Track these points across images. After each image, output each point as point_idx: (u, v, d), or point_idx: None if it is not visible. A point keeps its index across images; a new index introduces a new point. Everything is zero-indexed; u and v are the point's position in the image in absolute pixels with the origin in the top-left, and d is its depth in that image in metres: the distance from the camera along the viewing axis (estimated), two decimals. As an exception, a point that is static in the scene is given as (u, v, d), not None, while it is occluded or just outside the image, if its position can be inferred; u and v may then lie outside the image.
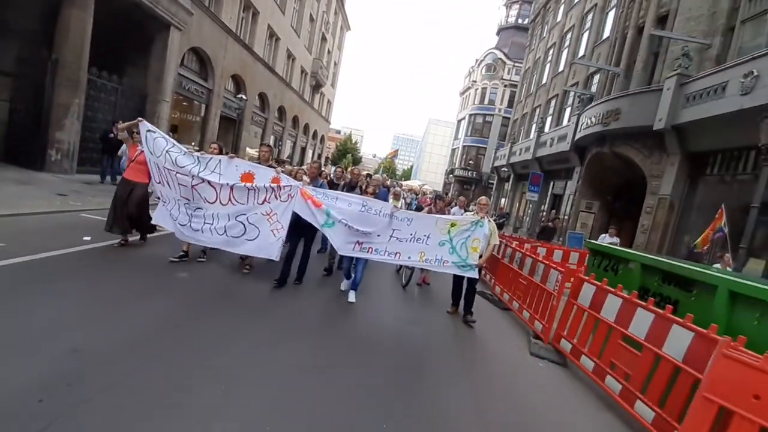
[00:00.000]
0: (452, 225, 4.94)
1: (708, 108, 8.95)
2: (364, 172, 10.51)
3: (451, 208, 8.30)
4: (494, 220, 5.85)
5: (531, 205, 21.00)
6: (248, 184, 4.80)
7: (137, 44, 12.60)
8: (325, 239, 6.14)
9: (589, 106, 14.10)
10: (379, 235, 4.83)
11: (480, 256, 4.91)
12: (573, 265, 7.72)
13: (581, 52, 18.73)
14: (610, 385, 3.49)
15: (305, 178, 5.18)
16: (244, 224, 4.85)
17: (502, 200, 28.28)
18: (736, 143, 8.90)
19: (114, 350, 2.81)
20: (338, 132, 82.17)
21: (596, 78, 16.55)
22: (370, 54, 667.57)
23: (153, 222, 5.22)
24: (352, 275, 5.20)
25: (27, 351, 2.62)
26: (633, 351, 3.32)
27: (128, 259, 5.05)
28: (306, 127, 32.37)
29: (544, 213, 19.27)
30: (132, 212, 5.20)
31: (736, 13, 9.85)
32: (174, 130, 14.87)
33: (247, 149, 19.11)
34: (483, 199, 5.35)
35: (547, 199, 20.22)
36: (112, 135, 10.01)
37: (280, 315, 4.25)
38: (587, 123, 13.66)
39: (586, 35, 18.80)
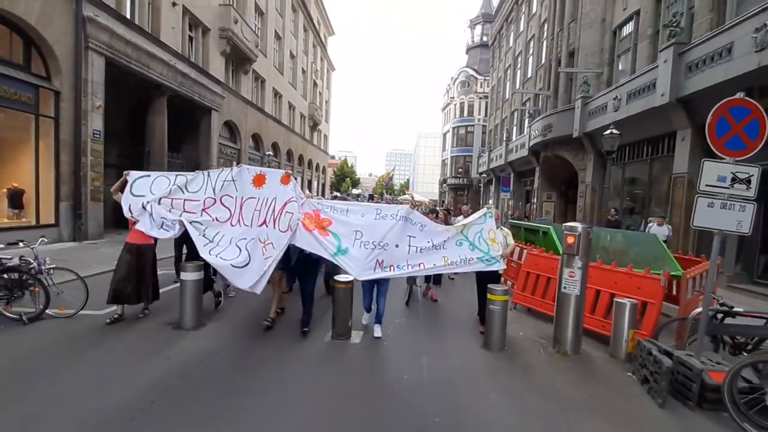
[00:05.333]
0: (463, 227, 4.84)
1: (600, 120, 12.99)
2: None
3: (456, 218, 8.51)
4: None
5: (511, 203, 24.95)
6: (256, 198, 4.63)
7: (189, 127, 16.86)
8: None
9: (534, 121, 18.24)
10: (397, 246, 4.48)
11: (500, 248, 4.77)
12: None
13: (529, 74, 22.99)
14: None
15: (308, 191, 5.26)
16: (240, 249, 4.52)
17: (489, 201, 32.21)
18: (623, 142, 12.91)
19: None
20: (333, 158, 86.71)
21: (541, 96, 20.74)
22: (353, 78, 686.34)
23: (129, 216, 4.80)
24: (373, 308, 5.01)
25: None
26: (514, 267, 7.26)
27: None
28: (309, 162, 36.70)
29: (520, 206, 23.21)
30: (144, 277, 4.88)
31: (614, 49, 14.04)
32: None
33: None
34: (494, 212, 5.23)
35: (523, 194, 24.22)
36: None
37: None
38: (534, 134, 17.76)
39: (531, 59, 23.10)
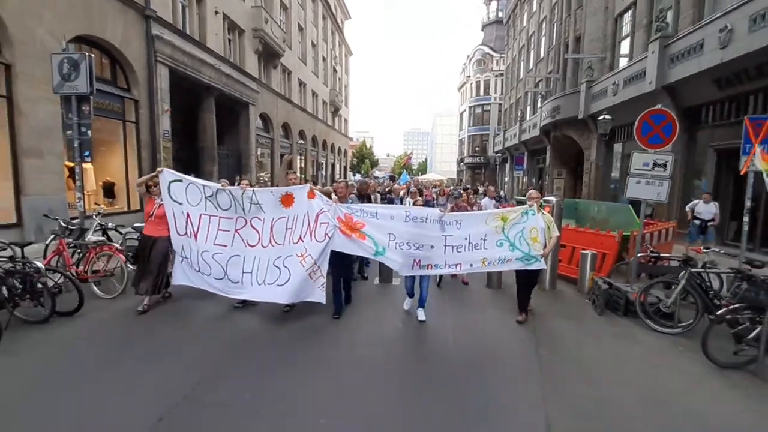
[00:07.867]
0: (503, 219, 4.72)
1: (603, 103, 14.28)
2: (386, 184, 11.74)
3: (480, 199, 9.51)
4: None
5: (524, 180, 26.31)
6: (287, 217, 4.82)
7: (230, 122, 18.93)
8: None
9: (544, 103, 19.47)
10: (432, 247, 4.66)
11: (544, 246, 4.69)
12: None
13: (542, 54, 23.89)
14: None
15: (333, 196, 5.19)
16: (279, 268, 4.74)
17: (506, 178, 33.48)
18: (622, 122, 14.21)
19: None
20: (351, 139, 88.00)
21: (552, 78, 21.77)
22: (368, 59, 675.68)
23: (174, 283, 5.06)
24: (415, 293, 5.14)
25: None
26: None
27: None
28: (332, 147, 38.63)
29: (533, 183, 24.58)
30: (153, 269, 4.97)
31: (616, 35, 15.12)
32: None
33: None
34: (533, 192, 5.14)
35: (536, 172, 25.52)
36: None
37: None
38: (544, 115, 19.04)
39: (543, 40, 23.94)
